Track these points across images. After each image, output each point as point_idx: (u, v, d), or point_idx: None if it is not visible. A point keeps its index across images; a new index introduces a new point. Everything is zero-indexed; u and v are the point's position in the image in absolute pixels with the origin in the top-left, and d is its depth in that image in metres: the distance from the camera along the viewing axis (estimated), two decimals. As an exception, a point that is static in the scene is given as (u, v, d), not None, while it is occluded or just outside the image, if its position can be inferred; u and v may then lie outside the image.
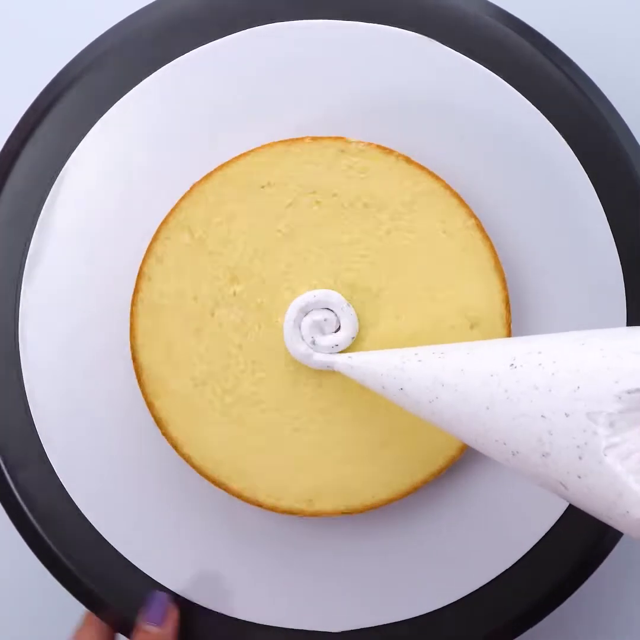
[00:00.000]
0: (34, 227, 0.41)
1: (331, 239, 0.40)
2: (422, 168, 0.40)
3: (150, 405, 0.40)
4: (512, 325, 0.40)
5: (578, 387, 0.28)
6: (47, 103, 0.42)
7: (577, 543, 0.42)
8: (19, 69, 0.48)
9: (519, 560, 0.42)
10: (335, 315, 0.40)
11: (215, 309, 0.40)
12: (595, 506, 0.28)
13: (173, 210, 0.40)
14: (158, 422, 0.40)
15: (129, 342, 0.41)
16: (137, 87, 0.41)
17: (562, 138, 0.41)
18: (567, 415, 0.28)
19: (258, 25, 0.41)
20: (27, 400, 0.41)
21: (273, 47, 0.41)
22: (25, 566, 0.46)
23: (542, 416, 0.28)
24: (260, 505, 0.40)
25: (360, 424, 0.40)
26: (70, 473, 0.42)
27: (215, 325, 0.40)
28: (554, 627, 0.48)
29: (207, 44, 0.41)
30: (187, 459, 0.40)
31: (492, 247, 0.40)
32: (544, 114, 0.41)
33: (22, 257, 0.41)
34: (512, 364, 0.29)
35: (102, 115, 0.41)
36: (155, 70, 0.42)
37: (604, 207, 0.41)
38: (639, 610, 0.50)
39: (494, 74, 0.41)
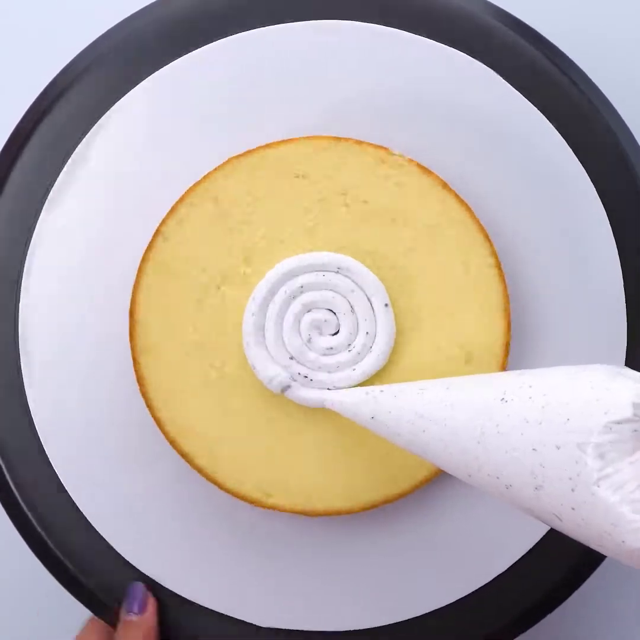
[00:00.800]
0: (35, 226, 0.41)
1: (352, 244, 0.40)
2: (456, 195, 0.40)
3: (136, 364, 0.40)
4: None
5: (568, 419, 0.28)
6: (47, 104, 0.42)
7: (576, 544, 0.41)
8: (17, 71, 0.49)
9: (518, 561, 0.41)
10: (351, 308, 0.39)
11: (221, 285, 0.40)
12: (590, 537, 0.28)
13: (204, 178, 0.40)
14: (140, 380, 0.40)
15: (128, 342, 0.40)
16: (136, 88, 0.42)
17: (562, 138, 0.41)
18: (558, 447, 0.28)
19: (259, 27, 0.42)
20: (27, 402, 0.41)
21: (268, 49, 0.42)
22: (26, 566, 0.46)
23: (533, 449, 0.29)
24: (222, 488, 0.40)
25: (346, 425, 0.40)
26: (70, 474, 0.42)
27: (218, 300, 0.40)
28: (553, 628, 0.48)
29: (210, 44, 0.42)
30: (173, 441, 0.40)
31: (505, 289, 0.40)
32: (543, 113, 0.41)
33: (22, 255, 0.41)
34: (503, 398, 0.29)
35: (103, 114, 0.42)
36: (154, 71, 0.42)
37: (606, 208, 0.41)
38: (638, 611, 0.50)
39: (494, 73, 0.41)
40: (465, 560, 0.42)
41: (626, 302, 0.41)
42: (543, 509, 0.29)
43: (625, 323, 0.41)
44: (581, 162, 0.41)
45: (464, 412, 0.30)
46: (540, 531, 0.41)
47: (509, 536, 0.41)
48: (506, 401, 0.29)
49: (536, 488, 0.29)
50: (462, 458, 0.30)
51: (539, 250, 0.41)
